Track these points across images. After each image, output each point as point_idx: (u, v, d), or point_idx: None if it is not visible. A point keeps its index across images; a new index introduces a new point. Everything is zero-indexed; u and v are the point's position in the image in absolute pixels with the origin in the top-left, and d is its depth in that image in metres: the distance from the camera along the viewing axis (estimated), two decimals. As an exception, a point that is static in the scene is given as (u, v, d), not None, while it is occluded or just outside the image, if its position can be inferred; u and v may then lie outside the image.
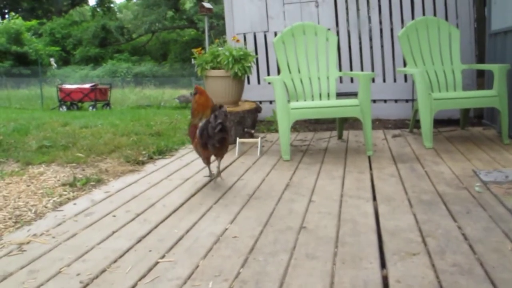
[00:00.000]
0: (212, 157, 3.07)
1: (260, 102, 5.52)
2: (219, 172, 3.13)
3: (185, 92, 14.43)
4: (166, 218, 2.38)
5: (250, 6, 5.75)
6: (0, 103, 13.60)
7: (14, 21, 27.16)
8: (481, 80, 4.97)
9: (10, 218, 2.45)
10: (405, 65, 4.70)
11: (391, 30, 5.41)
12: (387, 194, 2.64)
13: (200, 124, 2.92)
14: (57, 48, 28.77)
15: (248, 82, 5.77)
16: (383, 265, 1.75)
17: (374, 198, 2.58)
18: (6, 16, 33.42)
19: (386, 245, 1.93)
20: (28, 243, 2.11)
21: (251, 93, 5.55)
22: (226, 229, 2.19)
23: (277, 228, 2.17)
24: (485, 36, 4.83)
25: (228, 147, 3.05)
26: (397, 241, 1.96)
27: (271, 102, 5.61)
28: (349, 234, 2.06)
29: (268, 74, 5.76)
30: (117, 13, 35.99)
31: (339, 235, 2.06)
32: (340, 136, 4.51)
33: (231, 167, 3.49)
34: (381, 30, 5.46)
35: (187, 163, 3.68)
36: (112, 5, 36.76)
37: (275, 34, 5.62)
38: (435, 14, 5.16)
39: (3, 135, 4.77)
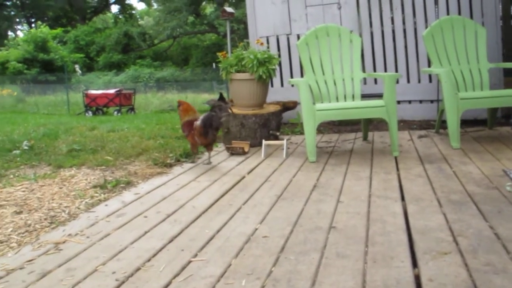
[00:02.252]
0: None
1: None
2: (209, 158, 3.83)
3: (208, 97, 14.52)
4: (196, 218, 2.42)
5: (272, 9, 5.78)
6: (29, 109, 13.91)
7: (41, 30, 27.76)
8: (509, 79, 4.90)
9: (45, 219, 2.52)
10: (429, 65, 4.67)
11: (415, 30, 5.38)
12: (415, 194, 2.63)
13: (201, 117, 3.63)
14: (81, 55, 29.29)
15: (272, 85, 5.80)
16: (414, 264, 1.75)
17: (403, 198, 2.58)
18: (33, 25, 34.23)
19: (416, 244, 1.92)
20: (64, 242, 2.17)
21: (275, 96, 5.57)
22: (256, 229, 2.21)
23: (306, 228, 2.18)
24: (512, 35, 4.77)
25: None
26: (427, 240, 1.96)
27: (294, 104, 5.63)
28: (379, 234, 2.06)
29: (291, 77, 5.78)
30: (139, 20, 36.49)
31: (368, 234, 2.07)
32: (365, 138, 4.50)
33: (257, 169, 3.51)
34: (404, 30, 5.43)
35: (213, 165, 3.72)
36: (134, 11, 37.31)
37: (298, 37, 5.65)
38: (459, 13, 5.11)
39: (34, 140, 4.90)
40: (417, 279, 1.64)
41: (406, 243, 1.95)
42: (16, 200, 2.88)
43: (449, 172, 3.08)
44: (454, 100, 3.78)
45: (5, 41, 29.81)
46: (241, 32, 22.42)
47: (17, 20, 36.43)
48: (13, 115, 10.70)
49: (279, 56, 5.60)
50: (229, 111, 3.69)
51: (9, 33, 35.03)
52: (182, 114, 3.83)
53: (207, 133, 3.60)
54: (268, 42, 5.82)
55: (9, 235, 2.31)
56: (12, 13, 35.26)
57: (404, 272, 1.68)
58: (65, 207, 2.73)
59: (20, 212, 2.65)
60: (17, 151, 4.35)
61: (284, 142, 3.99)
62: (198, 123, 3.62)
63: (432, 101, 5.37)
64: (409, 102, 5.48)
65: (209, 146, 3.75)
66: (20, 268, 1.90)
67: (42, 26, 28.60)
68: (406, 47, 5.44)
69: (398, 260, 1.78)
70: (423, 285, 1.58)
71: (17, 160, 4.04)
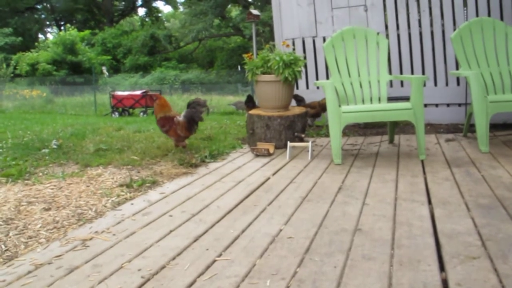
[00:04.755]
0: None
1: (309, 106, 5.52)
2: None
3: (233, 99, 14.55)
4: (221, 218, 2.43)
5: (298, 12, 5.77)
6: (57, 109, 14.22)
7: (70, 32, 28.33)
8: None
9: (73, 216, 2.57)
10: (457, 68, 4.59)
11: (443, 32, 5.30)
12: (443, 197, 2.59)
13: (184, 114, 4.07)
14: (108, 57, 29.75)
15: (297, 87, 5.80)
16: (441, 268, 1.73)
17: (429, 202, 2.54)
18: (62, 28, 34.98)
19: (444, 248, 1.89)
20: (90, 239, 2.20)
21: (300, 97, 5.56)
22: (281, 230, 2.21)
23: (331, 230, 2.17)
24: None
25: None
26: (455, 244, 1.92)
27: (319, 106, 5.60)
28: (405, 237, 2.03)
29: (317, 79, 5.76)
30: (165, 22, 36.91)
31: (394, 237, 2.04)
32: (391, 140, 4.45)
33: (282, 170, 3.51)
34: (432, 32, 5.35)
35: (238, 166, 3.73)
36: (160, 14, 37.78)
37: (324, 39, 5.63)
38: (489, 15, 5.02)
39: (63, 139, 5.00)
40: (445, 283, 1.61)
41: (433, 246, 1.92)
42: (45, 197, 2.94)
43: (478, 176, 3.02)
44: (483, 103, 3.71)
45: (36, 43, 30.52)
46: (266, 35, 22.44)
47: (47, 23, 37.31)
48: (42, 115, 10.95)
49: (305, 58, 5.59)
50: (207, 106, 4.23)
51: (39, 35, 35.91)
52: (158, 109, 4.18)
53: (191, 127, 4.08)
54: (294, 44, 5.82)
55: (38, 231, 2.36)
56: (43, 16, 36.14)
57: (431, 276, 1.65)
58: (92, 205, 2.77)
59: (48, 209, 2.70)
60: (46, 150, 4.44)
61: (309, 144, 3.97)
62: (181, 119, 4.07)
63: (460, 105, 5.28)
64: (436, 105, 5.40)
65: (183, 141, 4.19)
66: (49, 263, 1.94)
67: (70, 29, 29.19)
68: (433, 49, 5.36)
69: (425, 263, 1.76)
70: (451, 290, 1.55)
71: (46, 158, 4.12)
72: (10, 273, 1.86)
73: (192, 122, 4.07)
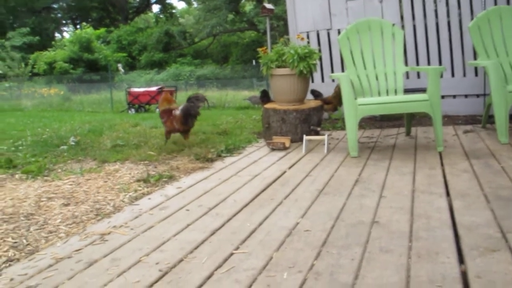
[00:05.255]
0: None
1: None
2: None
3: (248, 94, 14.53)
4: (238, 212, 2.44)
5: (312, 4, 5.74)
6: (74, 107, 14.37)
7: (85, 31, 28.59)
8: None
9: (91, 211, 2.60)
10: (475, 58, 4.51)
11: (460, 22, 5.21)
12: (461, 189, 2.56)
13: (181, 107, 4.19)
14: (124, 54, 29.92)
15: (312, 80, 5.77)
16: (461, 260, 1.70)
17: (448, 194, 2.51)
18: (78, 26, 35.33)
19: (463, 240, 1.87)
20: (109, 233, 2.23)
21: (315, 91, 5.53)
22: (298, 223, 2.21)
23: (348, 223, 2.16)
24: None
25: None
26: (474, 236, 1.90)
27: (335, 99, 5.56)
28: (423, 229, 2.02)
29: (332, 72, 5.72)
30: (179, 19, 36.95)
31: (412, 229, 2.02)
32: (408, 133, 4.41)
33: (298, 164, 3.50)
34: (448, 22, 5.27)
35: (254, 160, 3.73)
36: (174, 11, 37.86)
37: (339, 31, 5.59)
38: (508, 3, 4.92)
39: (80, 136, 5.06)
40: (464, 275, 1.59)
41: (452, 239, 1.90)
42: (64, 193, 2.98)
43: (497, 167, 2.98)
44: (502, 93, 3.65)
45: (53, 42, 30.87)
46: (280, 29, 22.34)
47: (63, 22, 37.71)
48: (60, 113, 11.09)
49: (319, 51, 5.55)
50: (207, 101, 4.40)
51: (56, 34, 36.32)
52: (161, 103, 4.38)
53: (187, 120, 4.16)
54: (308, 37, 5.79)
55: (57, 225, 2.39)
56: (59, 15, 36.54)
57: (450, 268, 1.64)
58: (110, 200, 2.80)
59: (67, 204, 2.74)
60: (65, 147, 4.50)
61: (325, 137, 3.96)
62: (178, 112, 4.17)
63: (478, 96, 5.20)
64: (454, 96, 5.32)
65: (186, 134, 4.31)
66: (68, 257, 1.96)
67: (86, 27, 29.44)
68: (450, 39, 5.28)
69: (444, 255, 1.74)
70: (471, 282, 1.53)
71: (65, 155, 4.18)
72: (32, 267, 1.89)
73: (188, 115, 4.17)
